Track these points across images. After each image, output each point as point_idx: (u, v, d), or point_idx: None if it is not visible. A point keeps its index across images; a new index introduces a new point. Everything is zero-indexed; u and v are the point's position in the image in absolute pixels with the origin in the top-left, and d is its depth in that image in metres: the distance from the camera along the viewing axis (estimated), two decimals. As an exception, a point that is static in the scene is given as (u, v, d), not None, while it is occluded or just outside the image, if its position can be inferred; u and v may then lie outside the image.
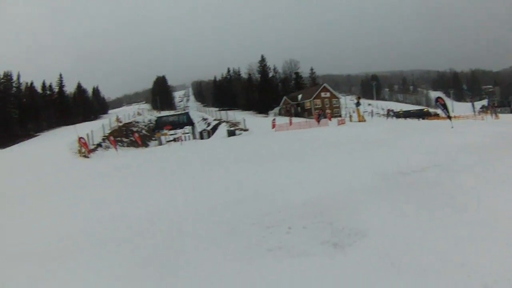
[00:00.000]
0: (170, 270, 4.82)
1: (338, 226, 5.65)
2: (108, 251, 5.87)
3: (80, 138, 31.24)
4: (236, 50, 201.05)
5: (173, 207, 8.08)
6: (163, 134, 49.66)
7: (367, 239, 5.09)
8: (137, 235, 6.44)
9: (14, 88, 77.81)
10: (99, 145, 35.60)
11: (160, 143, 48.04)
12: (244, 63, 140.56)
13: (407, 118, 55.99)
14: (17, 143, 60.72)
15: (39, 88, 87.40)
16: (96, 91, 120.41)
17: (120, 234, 6.58)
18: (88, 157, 30.24)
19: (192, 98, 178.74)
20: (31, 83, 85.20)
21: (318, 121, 46.06)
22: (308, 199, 7.33)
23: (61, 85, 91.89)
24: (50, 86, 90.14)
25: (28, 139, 65.27)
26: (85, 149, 31.16)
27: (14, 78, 78.09)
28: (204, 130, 55.66)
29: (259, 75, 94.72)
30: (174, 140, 49.56)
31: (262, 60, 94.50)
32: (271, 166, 12.57)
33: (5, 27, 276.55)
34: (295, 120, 51.46)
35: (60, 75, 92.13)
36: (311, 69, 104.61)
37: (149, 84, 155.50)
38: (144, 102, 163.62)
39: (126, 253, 5.65)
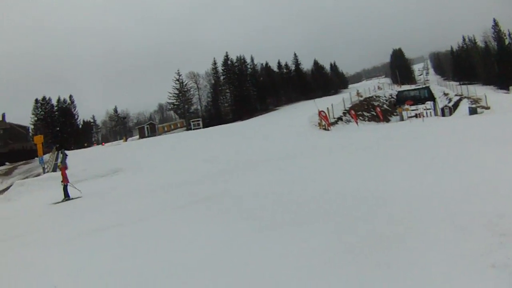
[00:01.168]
0: (380, 260, 4.43)
1: None
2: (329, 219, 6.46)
3: (320, 112, 31.66)
4: (465, 14, 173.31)
5: (406, 189, 7.57)
6: (404, 109, 45.87)
7: None
8: (363, 211, 6.54)
9: (249, 69, 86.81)
10: (339, 118, 35.49)
11: (402, 119, 45.00)
12: (478, 29, 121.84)
13: None
14: (255, 116, 66.14)
15: (275, 67, 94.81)
16: (334, 67, 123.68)
17: (346, 208, 6.96)
18: (328, 130, 30.68)
19: (431, 71, 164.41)
20: (266, 63, 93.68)
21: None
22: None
23: (297, 63, 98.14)
24: (286, 64, 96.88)
25: (266, 112, 70.74)
26: (325, 122, 31.47)
27: (248, 60, 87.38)
28: (446, 106, 50.13)
29: (495, 43, 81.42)
30: (416, 116, 44.80)
31: (496, 24, 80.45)
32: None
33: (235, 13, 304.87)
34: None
35: (295, 54, 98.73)
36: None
37: (386, 58, 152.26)
38: (383, 76, 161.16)
39: (350, 227, 5.83)
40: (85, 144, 73.14)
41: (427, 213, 5.85)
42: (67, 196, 16.40)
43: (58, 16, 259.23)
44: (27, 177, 26.90)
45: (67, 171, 24.43)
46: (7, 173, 34.89)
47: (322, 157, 15.68)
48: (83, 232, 8.92)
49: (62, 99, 78.59)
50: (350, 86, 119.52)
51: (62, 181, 16.94)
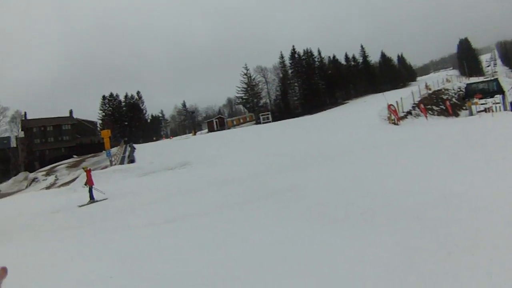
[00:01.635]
0: (443, 271, 4.16)
1: None
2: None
3: (389, 105, 31.61)
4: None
5: (483, 193, 6.95)
6: (474, 103, 44.05)
7: None
8: (434, 214, 6.23)
9: (317, 62, 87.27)
10: (409, 112, 35.28)
11: (471, 113, 43.21)
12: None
13: None
14: (325, 110, 67.21)
15: (342, 60, 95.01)
16: (401, 58, 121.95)
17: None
18: (397, 124, 30.51)
19: (498, 61, 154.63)
20: (333, 56, 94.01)
21: None
22: None
23: (364, 56, 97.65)
24: (354, 57, 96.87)
25: (336, 106, 71.65)
26: (395, 116, 31.38)
27: (315, 53, 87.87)
28: (515, 100, 47.44)
29: None
30: (485, 110, 43.63)
31: None
32: None
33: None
34: None
35: (361, 46, 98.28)
36: None
37: (453, 48, 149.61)
38: (451, 68, 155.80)
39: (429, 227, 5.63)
40: (154, 138, 78.14)
41: (502, 224, 5.32)
42: (92, 198, 16.18)
43: (127, 14, 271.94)
44: (94, 169, 27.40)
45: (134, 164, 26.44)
46: (75, 165, 38.25)
47: (395, 153, 15.39)
48: (148, 224, 9.38)
49: (129, 95, 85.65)
50: (418, 78, 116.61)
51: (85, 183, 16.94)
